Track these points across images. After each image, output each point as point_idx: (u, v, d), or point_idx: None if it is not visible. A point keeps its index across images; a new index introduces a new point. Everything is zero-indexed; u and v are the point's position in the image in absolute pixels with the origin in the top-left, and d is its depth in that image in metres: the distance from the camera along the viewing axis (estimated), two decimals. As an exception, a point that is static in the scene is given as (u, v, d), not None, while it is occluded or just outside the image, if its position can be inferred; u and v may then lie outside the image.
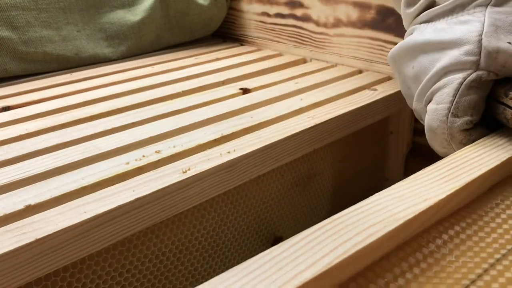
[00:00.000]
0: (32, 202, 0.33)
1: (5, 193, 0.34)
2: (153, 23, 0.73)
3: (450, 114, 0.33)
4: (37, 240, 0.29)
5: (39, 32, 0.63)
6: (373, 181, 0.63)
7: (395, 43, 0.62)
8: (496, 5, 0.33)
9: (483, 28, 0.32)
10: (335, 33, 0.68)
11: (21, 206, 0.32)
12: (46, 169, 0.37)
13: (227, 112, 0.49)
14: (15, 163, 0.38)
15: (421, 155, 0.63)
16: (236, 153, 0.40)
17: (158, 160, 0.39)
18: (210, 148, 0.41)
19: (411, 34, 0.38)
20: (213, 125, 0.46)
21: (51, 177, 0.36)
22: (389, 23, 0.62)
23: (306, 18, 0.72)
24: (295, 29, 0.73)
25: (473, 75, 0.32)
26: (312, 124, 0.47)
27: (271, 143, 0.43)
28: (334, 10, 0.67)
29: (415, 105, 0.38)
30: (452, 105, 0.33)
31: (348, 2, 0.65)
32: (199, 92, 0.55)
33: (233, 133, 0.44)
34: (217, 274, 0.45)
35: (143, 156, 0.39)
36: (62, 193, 0.34)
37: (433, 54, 0.35)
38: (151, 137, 0.43)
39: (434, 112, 0.34)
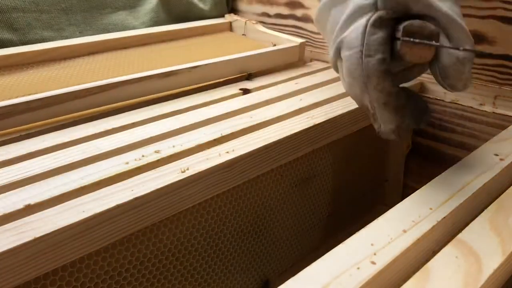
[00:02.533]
0: (32, 201, 0.33)
1: (5, 192, 0.34)
2: (154, 26, 0.73)
3: (363, 55, 0.35)
4: (36, 239, 0.29)
5: (40, 34, 0.63)
6: (373, 181, 0.63)
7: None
8: None
9: None
10: (335, 34, 0.68)
11: (20, 205, 0.32)
12: (46, 169, 0.37)
13: (226, 112, 0.49)
14: (15, 163, 0.38)
15: (421, 155, 0.63)
16: (235, 153, 0.40)
17: (158, 160, 0.39)
18: (209, 148, 0.42)
19: None
20: (212, 125, 0.46)
21: (51, 177, 0.36)
22: (389, 23, 0.62)
23: (306, 19, 0.72)
24: (295, 29, 0.74)
25: (374, 16, 0.35)
26: (312, 124, 0.47)
27: (270, 143, 0.43)
28: (334, 10, 0.67)
29: (330, 55, 0.39)
30: (363, 47, 0.35)
31: (348, 2, 0.65)
32: (199, 92, 0.55)
33: (232, 133, 0.44)
34: (216, 274, 0.45)
35: (143, 156, 0.40)
36: (61, 192, 0.34)
37: (341, 5, 0.37)
38: (150, 137, 0.43)
39: (349, 57, 0.36)
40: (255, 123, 0.46)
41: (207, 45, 0.70)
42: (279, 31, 0.72)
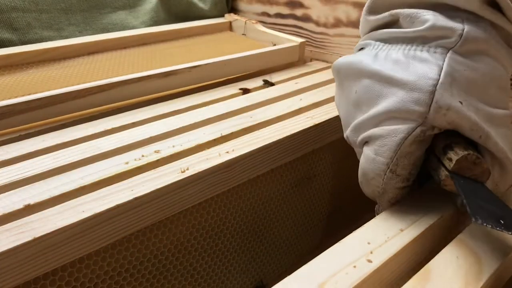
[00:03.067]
0: (31, 201, 0.33)
1: (5, 192, 0.34)
2: (154, 25, 0.73)
3: (388, 170, 0.31)
4: (35, 239, 0.29)
5: (40, 34, 0.63)
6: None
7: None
8: (459, 53, 0.31)
9: (440, 76, 0.30)
10: (335, 33, 0.68)
11: (20, 205, 0.32)
12: (46, 169, 0.37)
13: (226, 112, 0.49)
14: (15, 163, 0.38)
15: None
16: (235, 153, 0.40)
17: (157, 160, 0.39)
18: (209, 148, 0.42)
19: (363, 48, 0.36)
20: (212, 125, 0.46)
21: (51, 177, 0.36)
22: (389, 23, 0.62)
23: (306, 18, 0.72)
24: (295, 29, 0.74)
25: (418, 130, 0.30)
26: (312, 124, 0.47)
27: (270, 143, 0.43)
28: (334, 10, 0.67)
29: (350, 134, 0.36)
30: (392, 161, 0.31)
31: (348, 2, 0.65)
32: (199, 92, 0.55)
33: (232, 133, 0.44)
34: (216, 274, 0.45)
35: (143, 155, 0.40)
36: (61, 192, 0.34)
37: (381, 86, 0.32)
38: (150, 137, 0.43)
39: (372, 162, 0.32)
40: (255, 123, 0.46)
41: (207, 45, 0.70)
42: (279, 31, 0.72)
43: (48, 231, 0.30)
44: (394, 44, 0.33)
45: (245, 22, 0.75)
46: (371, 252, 0.29)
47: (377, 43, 0.35)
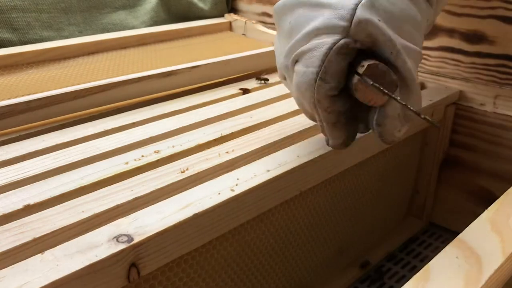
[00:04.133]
0: (31, 201, 0.33)
1: (5, 192, 0.34)
2: (154, 25, 0.74)
3: (318, 78, 0.33)
4: (35, 239, 0.29)
5: (40, 34, 0.63)
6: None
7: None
8: None
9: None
10: (335, 33, 0.68)
11: (20, 205, 0.32)
12: (46, 169, 0.37)
13: (226, 112, 0.49)
14: (15, 163, 0.38)
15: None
16: (235, 153, 0.40)
17: (157, 160, 0.39)
18: (209, 148, 0.42)
19: None
20: (212, 125, 0.46)
21: (51, 177, 0.36)
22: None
23: (306, 19, 0.71)
24: (295, 29, 0.73)
25: (342, 42, 0.33)
26: (312, 124, 0.47)
27: (270, 143, 0.43)
28: (334, 10, 0.67)
29: (283, 60, 0.37)
30: (320, 70, 0.33)
31: (348, 2, 0.65)
32: (199, 92, 0.55)
33: (232, 133, 0.44)
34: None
35: (142, 156, 0.40)
36: (61, 192, 0.34)
37: (310, 11, 0.35)
38: (150, 137, 0.43)
39: (303, 75, 0.34)
40: (255, 123, 0.46)
41: (207, 45, 0.70)
42: (279, 31, 0.72)
43: (48, 231, 0.30)
44: None
45: (245, 22, 0.75)
46: (236, 185, 0.34)
47: None
